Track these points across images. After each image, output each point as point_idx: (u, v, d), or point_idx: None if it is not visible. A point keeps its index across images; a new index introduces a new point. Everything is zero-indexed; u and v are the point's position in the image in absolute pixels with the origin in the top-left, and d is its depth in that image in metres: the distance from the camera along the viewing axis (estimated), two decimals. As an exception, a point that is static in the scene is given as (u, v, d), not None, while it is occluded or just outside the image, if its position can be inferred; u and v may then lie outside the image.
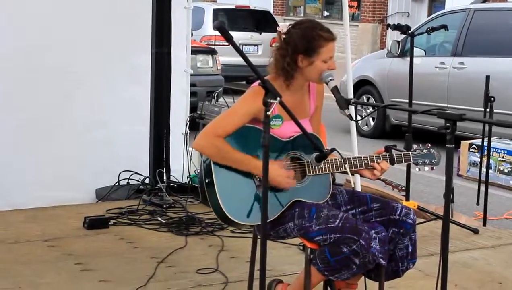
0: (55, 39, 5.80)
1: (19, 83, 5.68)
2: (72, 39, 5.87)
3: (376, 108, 10.15)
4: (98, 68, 6.03)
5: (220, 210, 3.33)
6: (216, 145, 3.33)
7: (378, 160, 3.49)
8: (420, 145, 3.60)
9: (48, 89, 5.80)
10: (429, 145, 3.61)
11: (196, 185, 5.75)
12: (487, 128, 6.16)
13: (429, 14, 19.11)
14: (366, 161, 3.49)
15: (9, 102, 5.65)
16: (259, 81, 3.01)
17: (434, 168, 3.61)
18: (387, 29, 7.34)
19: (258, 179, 3.35)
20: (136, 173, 6.04)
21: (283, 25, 3.48)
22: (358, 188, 5.67)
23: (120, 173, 5.98)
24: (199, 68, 11.07)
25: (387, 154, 3.51)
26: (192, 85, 7.09)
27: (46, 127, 5.79)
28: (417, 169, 3.63)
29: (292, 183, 3.38)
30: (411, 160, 3.55)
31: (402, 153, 3.55)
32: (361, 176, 3.62)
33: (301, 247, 4.58)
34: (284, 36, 3.44)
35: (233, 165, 3.34)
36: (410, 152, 3.56)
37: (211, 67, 11.59)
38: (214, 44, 13.96)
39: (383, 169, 3.49)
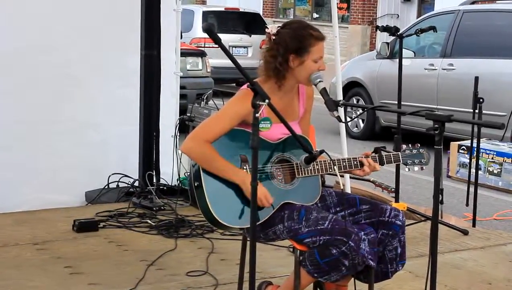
0: (55, 39, 5.80)
1: (17, 83, 5.67)
2: (71, 39, 5.87)
3: (365, 109, 10.14)
4: (94, 70, 6.02)
5: (209, 213, 3.32)
6: (202, 151, 3.32)
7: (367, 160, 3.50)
8: (410, 145, 3.60)
9: (45, 89, 5.79)
10: (418, 145, 3.62)
11: (186, 188, 5.74)
12: (476, 129, 6.18)
13: (418, 16, 19.13)
14: (355, 162, 3.49)
15: (7, 102, 5.64)
16: (248, 83, 3.01)
17: (424, 168, 3.62)
18: (376, 31, 7.31)
19: None
20: (126, 175, 6.03)
21: (272, 27, 3.48)
22: (348, 190, 5.68)
23: (109, 175, 5.97)
24: (188, 70, 11.06)
25: (377, 155, 3.52)
26: (182, 87, 7.10)
27: (35, 128, 5.77)
28: (406, 169, 3.64)
29: (266, 203, 3.34)
30: (401, 160, 3.56)
31: (391, 153, 3.56)
32: (351, 173, 3.61)
33: (291, 249, 4.57)
34: (274, 37, 3.44)
35: (215, 172, 3.33)
36: (399, 152, 3.56)
37: (201, 70, 11.59)
38: (204, 47, 13.95)
39: (371, 165, 3.49)
